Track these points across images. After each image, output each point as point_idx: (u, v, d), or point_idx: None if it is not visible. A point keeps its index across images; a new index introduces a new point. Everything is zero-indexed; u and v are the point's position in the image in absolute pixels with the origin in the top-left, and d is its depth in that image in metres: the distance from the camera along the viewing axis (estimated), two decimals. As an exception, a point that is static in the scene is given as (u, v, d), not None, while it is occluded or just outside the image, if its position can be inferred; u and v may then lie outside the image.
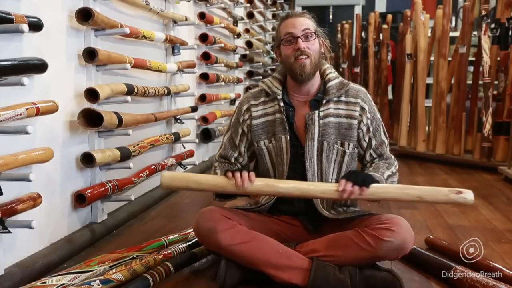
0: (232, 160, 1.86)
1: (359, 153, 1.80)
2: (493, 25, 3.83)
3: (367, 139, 1.77)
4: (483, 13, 3.88)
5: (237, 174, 1.56)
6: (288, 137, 1.73)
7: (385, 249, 1.55)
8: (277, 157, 1.76)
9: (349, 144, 1.74)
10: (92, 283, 1.51)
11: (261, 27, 5.92)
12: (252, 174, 1.58)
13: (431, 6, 6.05)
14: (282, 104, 1.76)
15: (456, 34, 4.96)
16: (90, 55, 2.04)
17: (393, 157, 1.81)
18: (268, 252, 1.59)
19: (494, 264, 1.72)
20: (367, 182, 1.54)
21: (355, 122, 1.74)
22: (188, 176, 1.67)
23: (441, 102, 4.24)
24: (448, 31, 4.24)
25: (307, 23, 1.70)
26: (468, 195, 1.54)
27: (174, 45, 2.98)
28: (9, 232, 1.50)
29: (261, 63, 5.58)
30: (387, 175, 1.69)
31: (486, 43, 3.80)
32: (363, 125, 1.75)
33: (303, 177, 1.71)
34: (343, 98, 1.75)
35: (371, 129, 1.76)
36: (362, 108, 1.74)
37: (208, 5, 3.64)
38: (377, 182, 1.59)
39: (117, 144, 2.29)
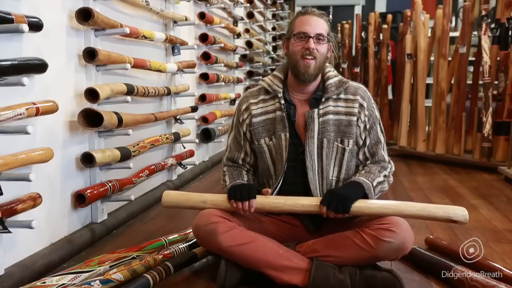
0: (240, 161, 1.87)
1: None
2: (493, 25, 3.83)
3: (363, 137, 1.76)
4: (483, 13, 3.88)
5: (239, 205, 1.61)
6: (288, 134, 1.73)
7: (385, 249, 1.55)
8: (276, 154, 1.77)
9: (348, 141, 1.74)
10: (92, 283, 1.51)
11: (261, 27, 5.91)
12: (253, 202, 1.61)
13: (431, 6, 6.04)
14: (283, 101, 1.76)
15: (456, 34, 4.97)
16: (90, 55, 2.04)
17: (387, 159, 1.79)
18: (268, 253, 1.59)
19: (494, 264, 1.72)
20: (347, 207, 1.57)
21: (354, 118, 1.74)
22: (192, 196, 1.70)
23: (441, 102, 4.24)
24: (448, 31, 4.24)
25: (323, 26, 1.71)
26: (459, 213, 1.60)
27: (174, 45, 2.98)
28: (9, 232, 1.50)
29: (261, 63, 5.58)
30: (377, 181, 1.68)
31: (486, 43, 3.80)
32: (360, 122, 1.74)
33: (304, 175, 1.72)
34: (342, 96, 1.76)
35: (367, 126, 1.76)
36: (361, 105, 1.75)
37: (208, 5, 3.64)
38: (364, 193, 1.62)
39: (117, 144, 2.29)
